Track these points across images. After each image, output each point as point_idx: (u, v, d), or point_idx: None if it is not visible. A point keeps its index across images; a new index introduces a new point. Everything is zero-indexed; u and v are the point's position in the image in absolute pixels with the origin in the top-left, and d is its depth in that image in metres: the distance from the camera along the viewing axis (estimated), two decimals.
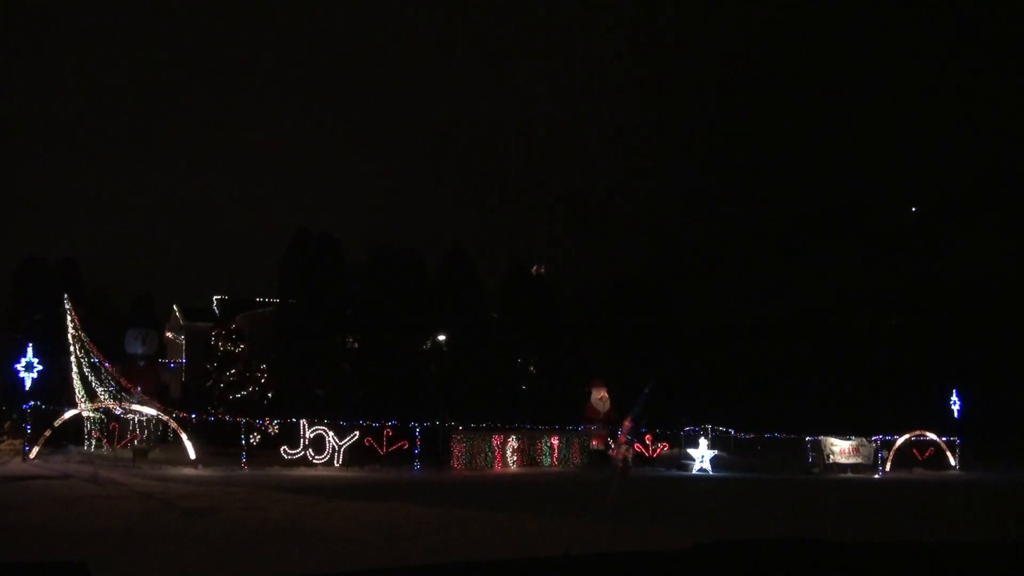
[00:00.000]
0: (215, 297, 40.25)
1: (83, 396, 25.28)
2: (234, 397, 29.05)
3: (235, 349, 30.58)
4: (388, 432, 25.64)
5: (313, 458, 24.28)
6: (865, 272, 47.80)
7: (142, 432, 26.14)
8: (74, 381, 25.36)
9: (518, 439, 27.12)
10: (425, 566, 2.58)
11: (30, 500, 14.81)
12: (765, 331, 45.18)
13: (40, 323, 29.53)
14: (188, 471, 21.78)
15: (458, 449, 25.94)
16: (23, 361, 24.98)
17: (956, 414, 33.42)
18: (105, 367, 25.59)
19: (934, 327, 42.68)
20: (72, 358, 25.53)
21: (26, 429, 22.36)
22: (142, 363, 28.97)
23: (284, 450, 24.41)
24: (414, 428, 25.84)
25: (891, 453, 31.45)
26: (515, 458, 26.73)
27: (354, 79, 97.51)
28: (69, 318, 25.23)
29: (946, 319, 43.05)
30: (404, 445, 25.66)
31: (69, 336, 25.32)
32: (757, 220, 63.01)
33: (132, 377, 26.97)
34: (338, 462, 24.42)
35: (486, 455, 26.22)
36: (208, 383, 30.40)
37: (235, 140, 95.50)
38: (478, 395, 31.54)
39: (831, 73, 79.66)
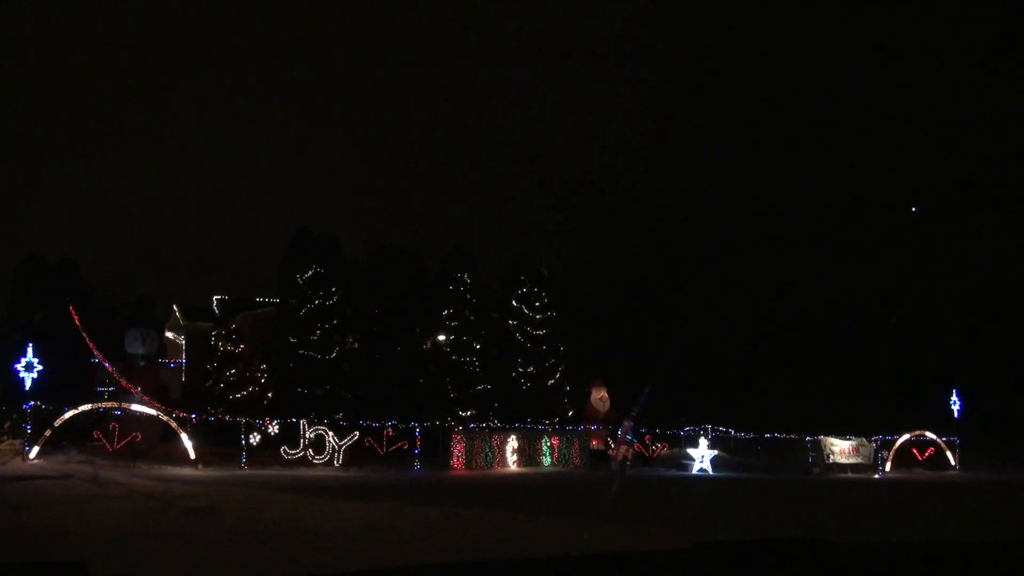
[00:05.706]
0: (215, 297, 40.14)
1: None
2: (234, 397, 29.06)
3: (235, 349, 30.54)
4: (388, 432, 25.66)
5: (313, 458, 24.29)
6: (864, 272, 47.79)
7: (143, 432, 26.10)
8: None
9: (518, 439, 27.13)
10: (425, 566, 2.58)
11: (30, 500, 14.80)
12: (765, 330, 45.19)
13: (40, 323, 29.47)
14: (188, 471, 21.78)
15: (458, 449, 25.97)
16: (23, 361, 24.94)
17: (956, 414, 33.40)
18: (105, 367, 25.56)
19: (934, 327, 42.65)
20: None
21: (26, 429, 22.36)
22: (142, 363, 28.96)
23: (284, 450, 24.42)
24: (414, 428, 25.86)
25: (891, 453, 31.47)
26: (515, 458, 26.75)
27: (354, 79, 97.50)
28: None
29: (946, 319, 43.04)
30: (404, 445, 25.69)
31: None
32: (757, 219, 62.99)
33: (132, 377, 26.95)
34: (338, 462, 24.43)
35: (486, 455, 26.24)
36: (208, 383, 30.40)
37: (235, 140, 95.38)
38: (478, 395, 31.51)
39: (831, 72, 79.65)
